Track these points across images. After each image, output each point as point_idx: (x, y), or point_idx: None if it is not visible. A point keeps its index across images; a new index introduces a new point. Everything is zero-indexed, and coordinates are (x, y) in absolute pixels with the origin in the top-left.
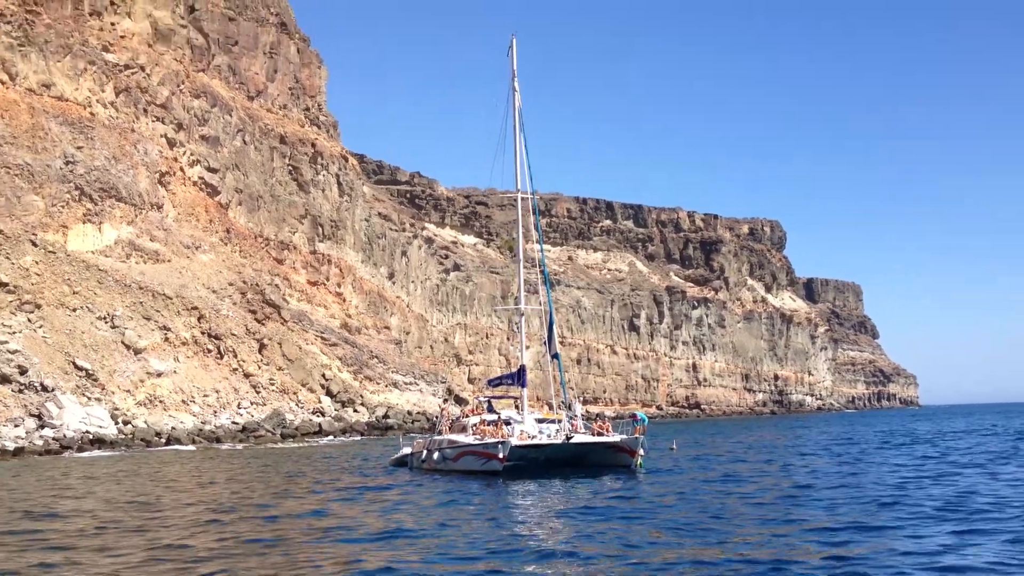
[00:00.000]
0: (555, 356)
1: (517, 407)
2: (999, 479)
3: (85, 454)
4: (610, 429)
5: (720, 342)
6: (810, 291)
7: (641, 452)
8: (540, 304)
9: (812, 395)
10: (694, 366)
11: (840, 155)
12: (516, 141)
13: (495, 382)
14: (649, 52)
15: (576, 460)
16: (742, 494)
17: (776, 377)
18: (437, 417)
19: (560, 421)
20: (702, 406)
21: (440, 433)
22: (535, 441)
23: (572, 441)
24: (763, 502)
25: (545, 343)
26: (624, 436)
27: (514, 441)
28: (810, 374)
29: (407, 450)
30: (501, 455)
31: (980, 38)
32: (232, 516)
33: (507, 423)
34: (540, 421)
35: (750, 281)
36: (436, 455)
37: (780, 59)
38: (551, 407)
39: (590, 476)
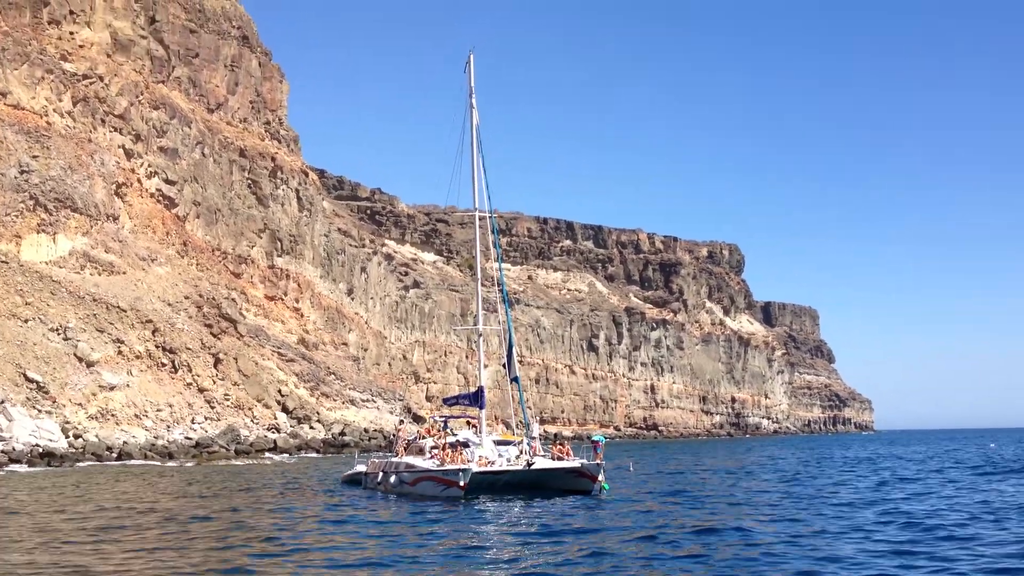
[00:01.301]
0: (515, 379)
1: (472, 427)
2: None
3: (25, 469)
4: (571, 453)
5: (678, 364)
6: (768, 315)
7: (601, 478)
8: (499, 324)
9: (769, 418)
10: (652, 387)
11: (800, 180)
12: (473, 159)
13: (451, 401)
14: (608, 75)
15: (537, 485)
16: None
17: (733, 400)
18: (393, 436)
19: (519, 443)
20: (659, 427)
21: (396, 455)
22: (496, 467)
23: (533, 467)
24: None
25: (504, 364)
26: (585, 461)
27: (474, 468)
28: (767, 397)
29: (361, 467)
30: (462, 483)
31: (939, 58)
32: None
33: (465, 446)
34: (498, 443)
35: (708, 304)
36: (393, 478)
37: (741, 78)
38: (508, 426)
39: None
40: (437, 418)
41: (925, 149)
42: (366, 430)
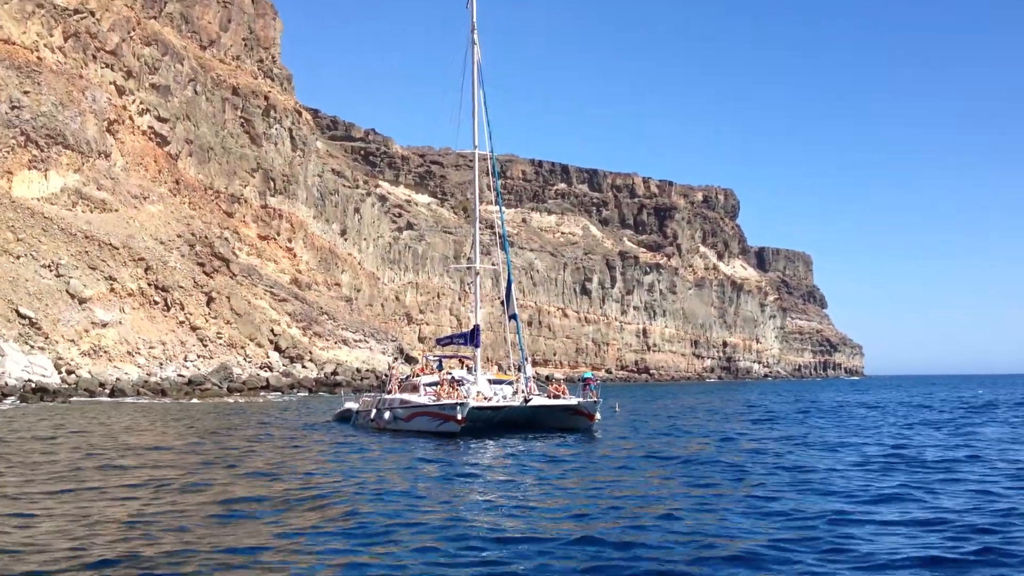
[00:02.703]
0: (513, 317)
1: (466, 367)
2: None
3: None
4: (566, 392)
5: (671, 308)
6: (761, 260)
7: (598, 416)
8: (494, 265)
9: (760, 363)
10: (644, 331)
11: (794, 125)
12: (475, 97)
13: (445, 340)
14: (608, 15)
15: (532, 422)
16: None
17: (725, 344)
18: (386, 375)
19: (514, 383)
20: (651, 371)
21: (389, 392)
22: (493, 403)
23: (531, 404)
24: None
25: (502, 302)
26: (581, 400)
27: (472, 403)
28: (758, 342)
29: (351, 405)
30: (460, 416)
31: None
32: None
33: (459, 383)
34: (492, 382)
35: (702, 248)
36: (387, 415)
37: (739, 25)
38: (500, 368)
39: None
40: (430, 357)
41: (919, 89)
42: (358, 370)
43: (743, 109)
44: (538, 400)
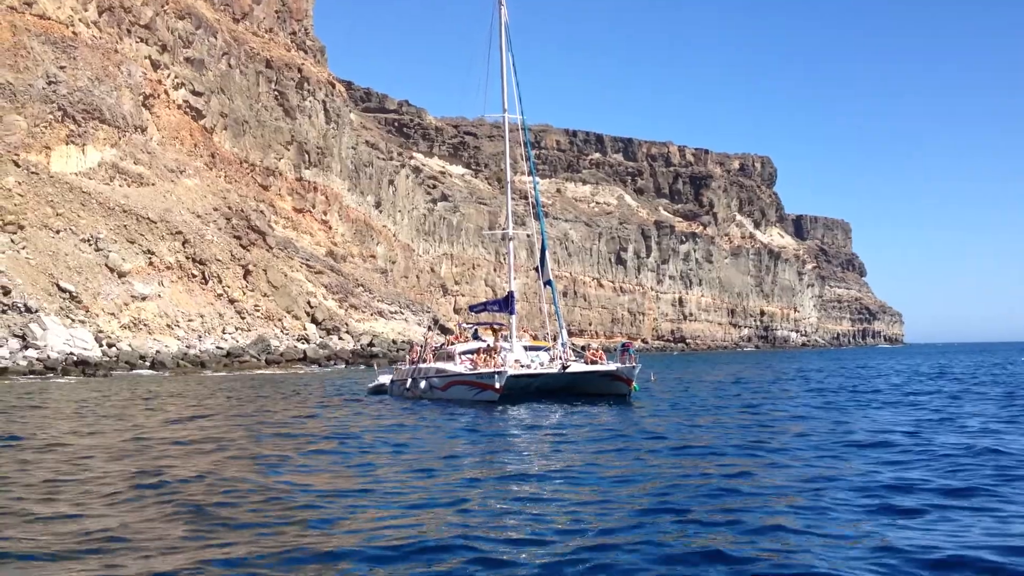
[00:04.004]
0: (548, 283)
1: (500, 335)
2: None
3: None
4: (604, 358)
5: (707, 277)
6: (799, 228)
7: (636, 386)
8: (528, 233)
9: (797, 331)
10: (680, 300)
11: (832, 92)
12: (503, 60)
13: (479, 308)
14: None
15: (571, 389)
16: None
17: (762, 313)
18: (422, 344)
19: (550, 349)
20: (687, 340)
21: (424, 361)
22: (530, 371)
23: (568, 371)
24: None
25: (537, 270)
26: (619, 365)
27: (510, 371)
28: (796, 310)
29: (384, 378)
30: (498, 385)
31: None
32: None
33: (495, 350)
34: (528, 349)
35: (739, 217)
36: (423, 384)
37: None
38: (534, 337)
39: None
40: (465, 326)
41: (960, 58)
42: (394, 341)
43: (781, 75)
44: (576, 366)
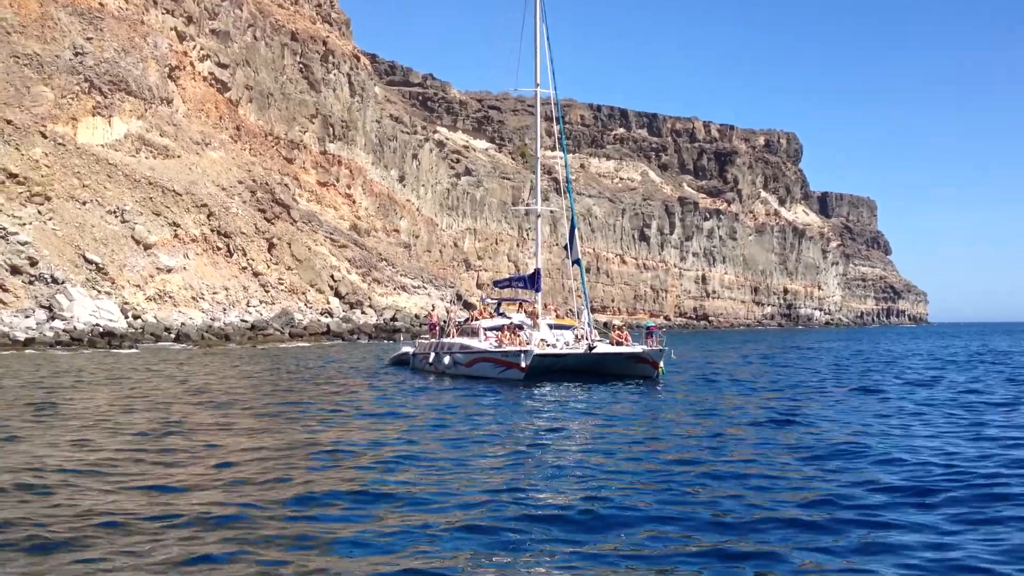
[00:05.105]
0: (576, 262)
1: (524, 311)
2: None
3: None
4: (629, 339)
5: (731, 254)
6: (824, 205)
7: (662, 365)
8: (555, 206)
9: (821, 309)
10: (703, 278)
11: (858, 69)
12: (536, 30)
13: (503, 284)
14: None
15: (597, 370)
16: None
17: (785, 291)
18: (444, 320)
19: (575, 328)
20: (710, 318)
21: (448, 336)
22: (556, 351)
23: (595, 351)
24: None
25: (565, 248)
26: (646, 347)
27: (535, 349)
28: (820, 288)
29: (407, 348)
30: (523, 364)
31: None
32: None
33: (520, 328)
34: (552, 327)
35: (764, 194)
36: (447, 359)
37: None
38: (558, 314)
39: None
40: (488, 300)
41: (986, 37)
42: (417, 316)
43: (807, 51)
44: (602, 347)
